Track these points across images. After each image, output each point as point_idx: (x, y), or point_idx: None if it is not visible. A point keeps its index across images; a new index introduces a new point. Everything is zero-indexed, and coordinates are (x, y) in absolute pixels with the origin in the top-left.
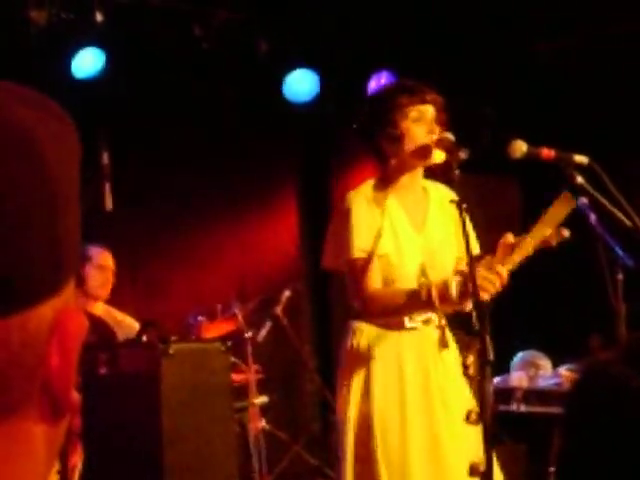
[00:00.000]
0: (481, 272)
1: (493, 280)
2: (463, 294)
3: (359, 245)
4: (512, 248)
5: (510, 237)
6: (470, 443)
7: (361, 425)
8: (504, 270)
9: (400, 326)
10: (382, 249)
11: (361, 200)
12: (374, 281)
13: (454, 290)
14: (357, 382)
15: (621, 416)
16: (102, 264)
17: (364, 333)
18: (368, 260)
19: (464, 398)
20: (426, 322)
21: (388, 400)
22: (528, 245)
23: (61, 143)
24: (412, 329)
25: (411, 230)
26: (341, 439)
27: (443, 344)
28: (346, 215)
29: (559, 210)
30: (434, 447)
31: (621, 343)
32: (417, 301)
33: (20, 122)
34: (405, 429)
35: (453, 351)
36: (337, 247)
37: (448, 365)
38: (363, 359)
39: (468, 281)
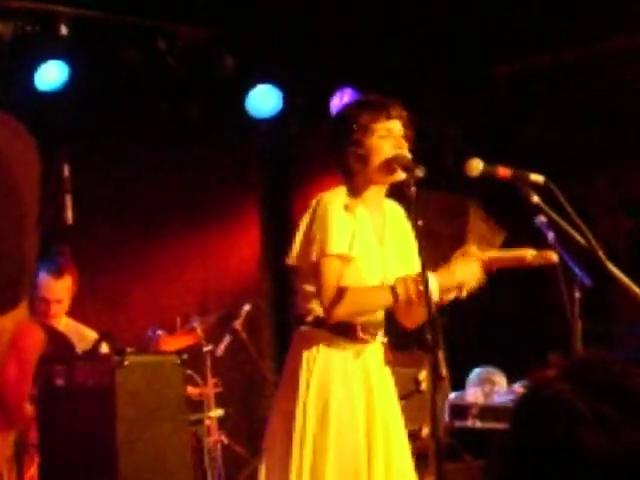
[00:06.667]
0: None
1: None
2: (443, 291)
3: (335, 246)
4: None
5: (473, 249)
6: (406, 464)
7: (317, 437)
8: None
9: (353, 337)
10: (354, 253)
11: (338, 203)
12: (345, 280)
13: (434, 284)
14: (315, 397)
15: (559, 432)
16: (43, 296)
17: (320, 344)
18: (342, 261)
19: (400, 417)
20: (373, 336)
21: (344, 415)
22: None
23: (27, 164)
24: (362, 341)
25: (375, 242)
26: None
27: (387, 360)
28: (322, 216)
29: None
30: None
31: (563, 362)
32: (392, 294)
33: None
34: (357, 444)
35: (389, 369)
36: (309, 246)
37: (388, 382)
38: (320, 371)
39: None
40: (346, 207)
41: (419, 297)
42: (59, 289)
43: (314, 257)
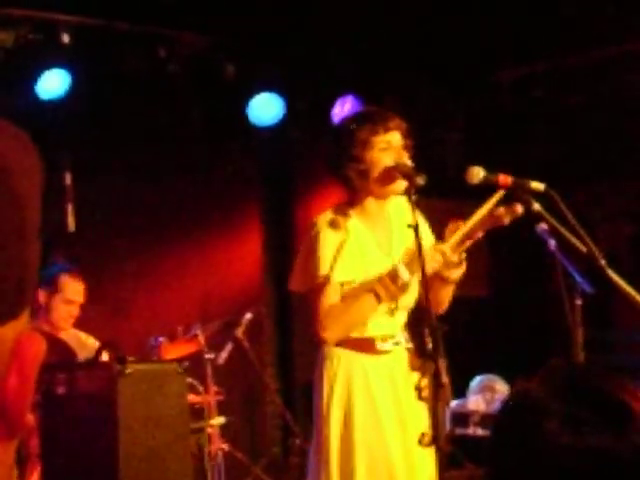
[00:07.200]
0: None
1: (436, 257)
2: (411, 272)
3: (325, 273)
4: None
5: (457, 223)
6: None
7: (344, 452)
8: (446, 247)
9: (372, 349)
10: (350, 274)
11: (328, 226)
12: (332, 301)
13: (405, 274)
14: (337, 411)
15: (537, 436)
16: (69, 299)
17: (340, 360)
18: (331, 286)
19: (426, 422)
20: (396, 344)
21: (368, 427)
22: (465, 226)
23: (28, 172)
24: (384, 352)
25: (379, 252)
26: (322, 465)
27: (412, 366)
28: (314, 241)
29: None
30: (408, 471)
31: (542, 370)
32: (375, 297)
33: None
34: (388, 452)
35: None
36: (305, 272)
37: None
38: (340, 386)
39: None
40: (333, 224)
41: (401, 289)
42: (82, 291)
43: (306, 285)
